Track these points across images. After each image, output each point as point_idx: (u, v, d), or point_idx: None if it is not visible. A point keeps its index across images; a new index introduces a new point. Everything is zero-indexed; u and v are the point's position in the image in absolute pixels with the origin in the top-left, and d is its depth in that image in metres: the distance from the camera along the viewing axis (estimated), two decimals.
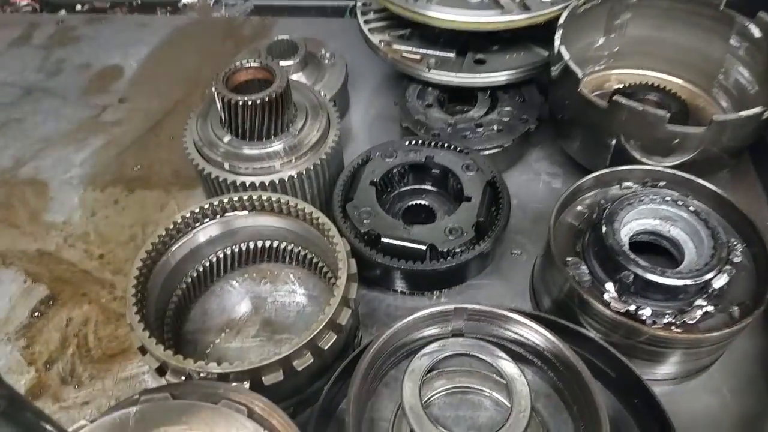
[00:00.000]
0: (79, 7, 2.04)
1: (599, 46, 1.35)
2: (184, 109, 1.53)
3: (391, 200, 1.21)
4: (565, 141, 1.28)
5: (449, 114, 1.37)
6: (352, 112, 1.54)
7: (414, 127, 1.31)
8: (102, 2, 2.04)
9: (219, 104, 1.07)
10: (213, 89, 1.06)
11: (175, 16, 1.91)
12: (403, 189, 1.22)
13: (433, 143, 1.20)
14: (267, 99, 1.03)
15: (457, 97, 1.41)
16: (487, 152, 1.26)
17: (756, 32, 1.19)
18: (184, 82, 1.61)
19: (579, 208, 1.08)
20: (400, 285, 1.10)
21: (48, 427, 0.46)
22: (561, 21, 1.16)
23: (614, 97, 1.04)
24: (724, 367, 1.02)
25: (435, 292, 1.14)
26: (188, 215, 1.01)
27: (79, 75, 1.65)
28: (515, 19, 1.19)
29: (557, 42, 1.14)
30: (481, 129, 1.28)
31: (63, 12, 2.01)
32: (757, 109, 1.01)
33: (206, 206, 1.02)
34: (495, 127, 1.28)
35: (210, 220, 1.04)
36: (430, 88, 1.38)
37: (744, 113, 1.01)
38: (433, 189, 1.22)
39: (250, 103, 1.03)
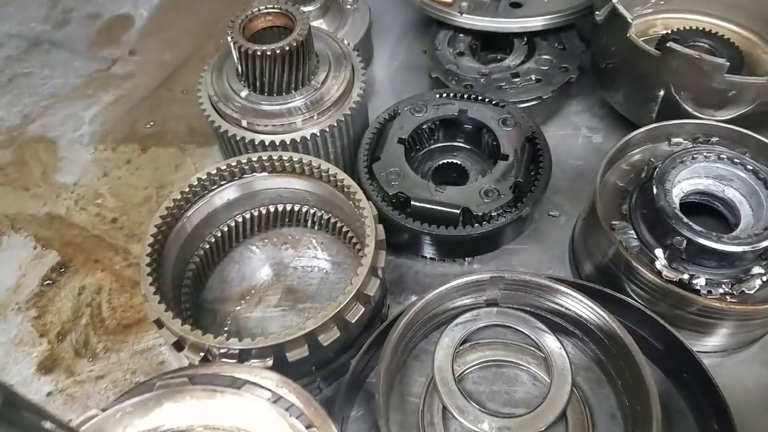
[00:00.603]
0: None
1: None
2: (199, 60, 1.44)
3: (420, 158, 1.13)
4: (608, 92, 1.18)
5: (483, 63, 1.27)
6: (375, 62, 1.45)
7: (444, 77, 1.21)
8: None
9: (235, 55, 0.99)
10: (229, 38, 0.97)
11: None
12: (433, 146, 1.14)
13: (465, 95, 1.11)
14: (287, 48, 0.95)
15: (492, 45, 1.31)
16: (524, 105, 1.17)
17: None
18: (198, 30, 1.52)
19: (625, 166, 1.00)
20: (430, 251, 1.03)
21: (48, 425, 0.41)
22: None
23: (668, 44, 0.93)
24: None
25: (467, 258, 1.07)
26: (204, 177, 0.94)
27: (87, 25, 1.57)
28: None
29: None
30: (517, 79, 1.19)
31: None
32: None
33: (223, 167, 0.95)
34: (533, 77, 1.19)
35: (228, 182, 0.98)
36: (461, 35, 1.28)
37: None
38: (466, 146, 1.14)
39: (269, 53, 0.95)
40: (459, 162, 1.12)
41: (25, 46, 1.52)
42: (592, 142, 1.23)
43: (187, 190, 0.93)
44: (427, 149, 1.14)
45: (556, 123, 1.27)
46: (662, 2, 1.25)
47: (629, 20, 0.97)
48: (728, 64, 0.91)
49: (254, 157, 0.96)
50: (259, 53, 0.94)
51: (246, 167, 0.97)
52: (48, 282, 1.08)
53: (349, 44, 1.14)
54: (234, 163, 0.96)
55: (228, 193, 0.99)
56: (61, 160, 1.26)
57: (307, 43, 0.98)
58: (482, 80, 1.19)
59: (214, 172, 0.95)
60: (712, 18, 1.25)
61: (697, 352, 0.92)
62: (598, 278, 0.96)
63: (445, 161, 1.12)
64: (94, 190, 1.21)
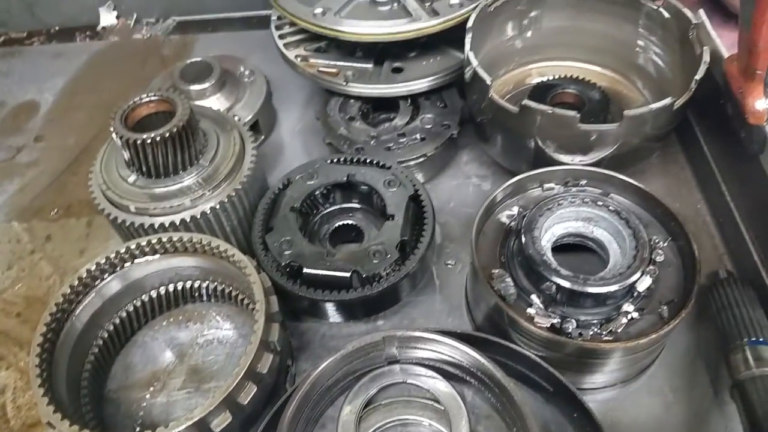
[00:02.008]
0: None
1: (515, 42, 1.32)
2: (103, 141, 1.43)
3: (317, 222, 1.17)
4: (486, 144, 1.25)
5: (373, 125, 1.34)
6: (281, 127, 1.49)
7: (337, 142, 1.27)
8: (18, 32, 1.96)
9: (119, 144, 1.01)
10: (111, 129, 1.00)
11: (93, 42, 1.83)
12: (330, 209, 1.18)
13: (354, 159, 1.16)
14: (169, 134, 0.98)
15: (381, 106, 1.37)
16: (412, 162, 1.23)
17: (665, 14, 1.17)
18: (102, 111, 1.52)
19: (503, 215, 1.06)
20: (332, 315, 1.06)
21: None
22: (469, 24, 1.13)
23: (523, 102, 1.01)
24: (664, 365, 1.01)
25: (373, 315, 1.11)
26: (93, 268, 0.96)
27: None
28: (424, 26, 1.15)
29: (467, 46, 1.11)
30: (404, 139, 1.25)
31: None
32: (667, 101, 0.99)
33: (112, 255, 0.97)
34: (418, 136, 1.25)
35: (119, 268, 0.99)
36: (351, 101, 1.34)
37: (654, 106, 0.99)
38: (361, 206, 1.18)
39: (149, 140, 0.98)
40: (354, 222, 1.16)
41: None
42: (482, 190, 1.29)
43: (76, 283, 0.94)
44: (324, 212, 1.18)
45: (449, 173, 1.33)
46: (532, 54, 1.34)
47: (488, 83, 1.04)
48: (579, 115, 0.98)
49: (143, 241, 0.98)
50: (139, 141, 0.97)
51: (136, 252, 0.99)
52: None
53: (239, 118, 1.19)
54: (123, 250, 0.98)
55: (121, 279, 1.00)
56: None
57: (190, 124, 1.02)
58: (372, 142, 1.24)
59: (102, 261, 0.96)
60: (581, 63, 1.35)
61: (590, 388, 0.97)
62: (489, 325, 1.00)
63: (341, 223, 1.17)
64: None
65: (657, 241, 0.97)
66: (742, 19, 0.95)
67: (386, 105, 1.35)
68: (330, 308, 1.05)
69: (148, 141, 0.97)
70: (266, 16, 1.80)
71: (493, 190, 1.02)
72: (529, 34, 1.31)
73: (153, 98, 1.05)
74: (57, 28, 1.93)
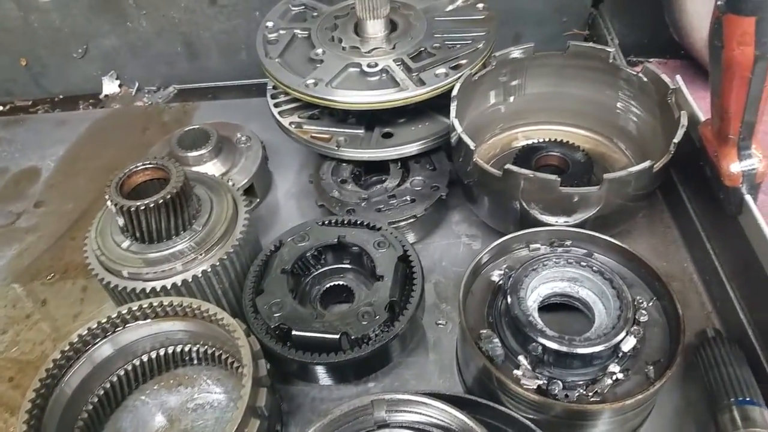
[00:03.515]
0: (0, 108, 2.02)
1: (499, 108, 1.37)
2: (102, 206, 1.47)
3: (309, 283, 1.18)
4: (474, 205, 1.29)
5: (366, 187, 1.38)
6: (277, 190, 1.53)
7: (329, 204, 1.30)
8: (24, 101, 2.03)
9: (114, 211, 1.04)
10: (106, 197, 1.04)
11: (96, 110, 1.90)
12: (321, 270, 1.20)
13: (346, 221, 1.19)
14: (162, 200, 1.01)
15: (373, 169, 1.41)
16: (403, 223, 1.26)
17: (644, 79, 1.22)
18: (102, 177, 1.54)
19: (492, 275, 1.08)
20: (323, 378, 1.06)
21: None
22: (454, 93, 1.18)
23: (506, 167, 1.04)
24: (654, 426, 1.00)
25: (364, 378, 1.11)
26: (85, 332, 0.97)
27: None
28: (412, 95, 1.21)
29: (452, 114, 1.16)
30: (394, 201, 1.28)
31: None
32: (646, 164, 1.03)
33: (104, 320, 0.98)
34: (408, 198, 1.28)
35: (109, 333, 1.00)
36: (343, 164, 1.38)
37: (633, 169, 1.02)
38: (353, 267, 1.20)
39: (143, 207, 1.01)
40: (345, 283, 1.18)
41: None
42: (472, 249, 1.31)
43: (67, 348, 0.95)
44: (316, 273, 1.19)
45: (440, 233, 1.35)
46: (517, 119, 1.40)
47: (471, 148, 1.08)
48: (559, 179, 1.02)
49: (134, 306, 1.00)
50: (133, 208, 1.00)
51: (127, 317, 1.00)
52: None
53: (238, 182, 1.22)
54: (114, 315, 0.99)
55: (108, 346, 1.00)
56: None
57: (183, 191, 1.05)
58: (363, 204, 1.28)
59: (94, 326, 0.97)
60: (565, 126, 1.40)
61: None
62: (478, 386, 1.00)
63: (331, 284, 1.18)
64: None
65: (641, 301, 0.98)
66: (713, 87, 1.00)
67: (377, 168, 1.39)
68: (320, 371, 1.05)
69: (142, 208, 1.00)
70: (263, 84, 1.89)
71: (480, 251, 1.04)
72: (512, 99, 1.36)
73: (148, 165, 1.09)
74: (61, 96, 2.01)
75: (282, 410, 1.06)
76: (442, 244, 1.33)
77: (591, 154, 1.29)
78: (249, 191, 1.41)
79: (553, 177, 1.02)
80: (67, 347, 0.95)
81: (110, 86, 1.94)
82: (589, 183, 1.24)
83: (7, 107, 2.02)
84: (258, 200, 1.47)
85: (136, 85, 1.96)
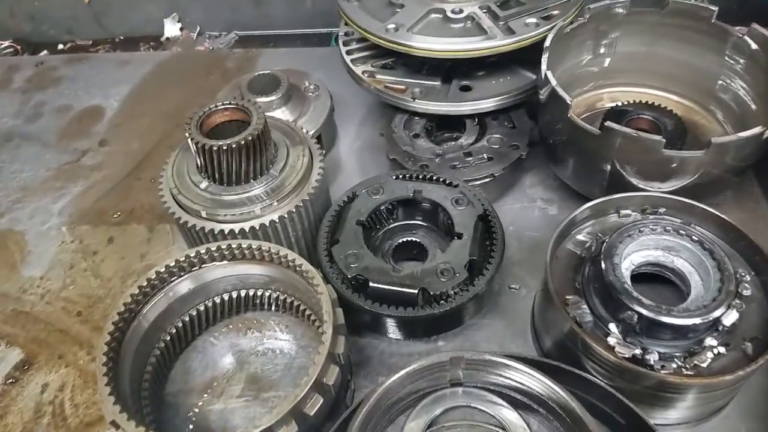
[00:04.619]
0: (61, 46, 2.01)
1: (589, 65, 1.30)
2: (167, 148, 1.48)
3: (380, 238, 1.15)
4: (557, 166, 1.23)
5: (437, 143, 1.33)
6: (340, 143, 1.49)
7: (401, 158, 1.26)
8: (84, 40, 2.02)
9: (193, 149, 1.02)
10: (186, 134, 1.01)
11: (158, 52, 1.88)
12: (392, 225, 1.17)
13: (420, 176, 1.15)
14: (243, 142, 0.98)
15: (446, 125, 1.36)
16: (478, 182, 1.21)
17: (752, 44, 1.14)
18: (166, 119, 1.56)
19: (577, 238, 1.03)
20: (393, 332, 1.04)
21: None
22: (547, 43, 1.11)
23: (606, 123, 0.98)
24: (740, 407, 0.96)
25: (433, 336, 1.08)
26: (163, 270, 0.95)
27: (58, 118, 1.61)
28: (500, 44, 1.14)
29: (543, 66, 1.09)
30: (470, 158, 1.23)
31: (45, 52, 1.98)
32: (756, 129, 0.95)
33: (182, 259, 0.97)
34: (485, 156, 1.23)
35: (186, 273, 0.99)
36: (416, 118, 1.33)
37: (743, 134, 0.95)
38: (425, 224, 1.16)
39: (225, 147, 0.98)
40: (418, 240, 1.14)
41: None
42: (548, 214, 1.26)
43: (144, 284, 0.94)
44: (387, 228, 1.16)
45: (512, 196, 1.30)
46: (605, 79, 1.32)
47: (568, 102, 1.02)
48: (664, 140, 0.95)
49: (213, 246, 0.98)
50: (215, 148, 0.98)
51: (206, 256, 0.99)
52: (11, 381, 1.06)
53: (308, 131, 1.19)
54: (193, 254, 0.97)
55: (187, 283, 1.00)
56: (29, 254, 1.27)
57: (263, 135, 1.02)
58: (437, 160, 1.23)
59: (172, 264, 0.96)
60: (655, 90, 1.32)
61: (662, 424, 0.92)
62: (558, 353, 0.97)
63: (404, 239, 1.15)
64: (60, 282, 1.21)
65: (743, 274, 0.92)
66: None
67: (451, 123, 1.34)
68: (391, 324, 1.03)
69: (224, 148, 0.98)
70: (326, 33, 1.85)
71: (571, 212, 0.99)
72: (602, 57, 1.29)
73: (229, 106, 1.06)
74: (122, 37, 1.99)
75: (351, 361, 1.04)
76: (515, 208, 1.28)
77: (683, 121, 1.22)
78: (316, 142, 1.37)
79: (658, 137, 0.95)
80: (145, 283, 0.94)
81: (172, 29, 1.91)
82: (682, 148, 1.17)
83: (68, 45, 2.02)
84: (324, 151, 1.43)
85: (198, 29, 1.92)
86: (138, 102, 1.64)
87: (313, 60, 1.68)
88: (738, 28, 1.17)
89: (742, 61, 1.17)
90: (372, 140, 1.47)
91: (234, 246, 0.98)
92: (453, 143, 1.29)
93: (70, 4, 1.93)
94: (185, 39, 1.92)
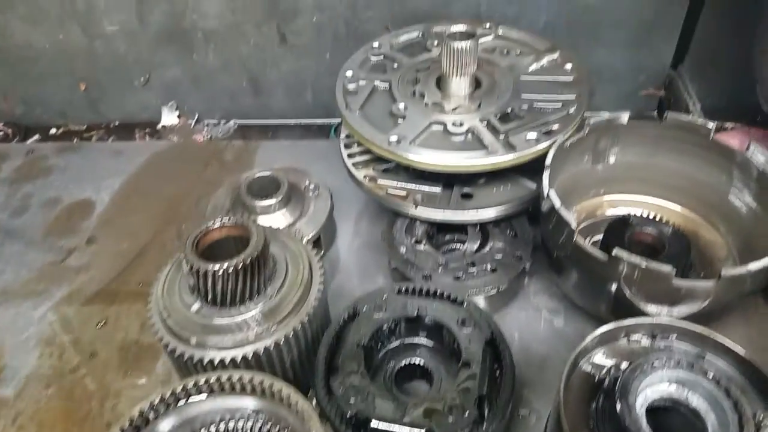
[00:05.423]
0: (53, 130, 1.99)
1: (589, 174, 1.29)
2: (158, 248, 1.44)
3: (381, 358, 1.10)
4: (560, 278, 1.20)
5: (439, 246, 1.30)
6: (339, 240, 1.46)
7: (403, 267, 1.22)
8: (78, 125, 2.00)
9: (186, 270, 0.98)
10: (182, 255, 0.97)
11: (153, 142, 1.86)
12: (395, 344, 1.11)
13: (425, 291, 1.10)
14: (241, 265, 0.95)
15: (447, 228, 1.33)
16: (483, 295, 1.17)
17: (755, 162, 1.13)
18: (159, 216, 1.52)
19: (587, 365, 0.98)
20: None
21: None
22: (548, 162, 1.10)
23: (614, 252, 0.96)
24: None
25: None
26: (146, 407, 0.89)
27: (46, 212, 1.56)
28: (501, 160, 1.13)
29: (545, 183, 1.08)
30: (474, 269, 1.20)
31: (37, 136, 1.96)
32: (765, 261, 0.93)
33: (167, 395, 0.90)
34: (488, 266, 1.20)
35: (172, 408, 0.92)
36: (418, 222, 1.30)
37: (753, 266, 0.93)
38: (428, 343, 1.11)
39: (221, 271, 0.94)
40: (423, 362, 1.09)
41: None
42: (554, 326, 1.22)
43: (126, 425, 0.87)
44: (390, 347, 1.11)
45: (517, 304, 1.27)
46: (605, 186, 1.31)
47: (573, 227, 1.00)
48: (674, 270, 0.93)
49: (201, 380, 0.91)
50: (211, 271, 0.93)
51: (192, 391, 0.92)
52: None
53: (308, 234, 1.15)
54: (179, 389, 0.91)
55: (171, 420, 0.92)
56: (4, 369, 1.19)
57: (262, 254, 0.98)
58: (440, 270, 1.20)
59: (156, 401, 0.89)
60: (657, 198, 1.31)
61: None
62: None
63: (407, 362, 1.09)
64: (35, 404, 1.13)
65: (761, 417, 0.88)
66: None
67: (453, 227, 1.32)
68: None
69: (220, 272, 0.93)
70: (325, 125, 1.85)
71: (582, 321, 0.95)
72: (601, 166, 1.28)
73: (227, 223, 1.02)
74: (117, 123, 1.98)
75: None
76: (521, 317, 1.24)
77: (686, 233, 1.20)
78: (315, 243, 1.34)
79: (668, 268, 0.93)
80: (127, 424, 0.87)
81: (169, 117, 1.90)
82: (686, 266, 1.15)
83: (60, 130, 2.00)
84: (322, 252, 1.40)
85: (196, 116, 1.92)
86: (130, 196, 1.60)
87: (313, 153, 1.67)
88: (738, 144, 1.17)
89: (746, 179, 1.16)
90: (371, 237, 1.44)
91: (224, 378, 0.92)
92: (456, 252, 1.26)
93: (65, 89, 1.92)
94: (183, 126, 1.91)
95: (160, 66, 1.83)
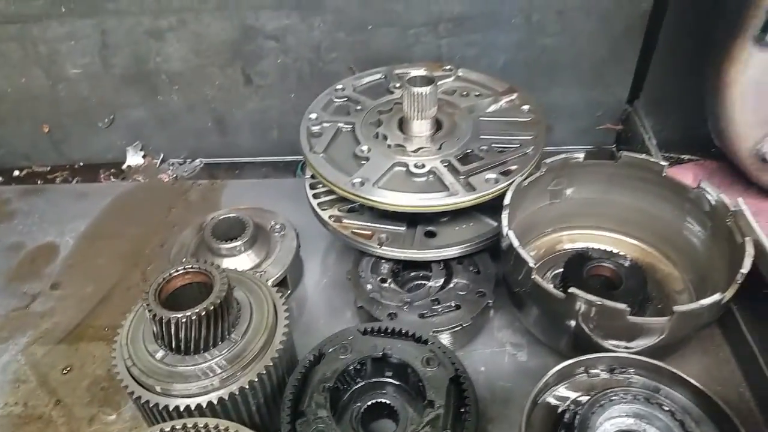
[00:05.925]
0: (17, 172, 1.97)
1: (547, 211, 1.33)
2: (124, 291, 1.43)
3: (347, 399, 1.10)
4: (521, 315, 1.23)
5: (404, 285, 1.33)
6: (306, 280, 1.47)
7: (369, 306, 1.24)
8: (42, 166, 1.99)
9: (149, 318, 0.98)
10: (144, 303, 0.97)
11: (118, 183, 1.85)
12: (361, 384, 1.12)
13: (389, 330, 1.12)
14: (204, 313, 0.95)
15: (412, 265, 1.35)
16: (447, 332, 1.19)
17: (707, 200, 1.18)
18: (123, 259, 1.51)
19: (548, 402, 1.01)
20: None
21: None
22: (506, 201, 1.14)
23: (570, 290, 0.99)
24: None
25: None
26: None
27: (9, 258, 1.54)
28: (461, 201, 1.17)
29: (504, 222, 1.12)
30: (438, 306, 1.22)
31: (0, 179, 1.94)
32: (716, 297, 0.98)
33: None
34: (452, 303, 1.22)
35: None
36: (383, 260, 1.32)
37: (704, 302, 0.97)
38: (394, 381, 1.12)
39: (184, 320, 0.94)
40: (389, 401, 1.10)
41: None
42: (518, 361, 1.24)
43: None
44: (355, 387, 1.12)
45: (481, 340, 1.28)
46: (564, 222, 1.36)
47: (532, 266, 1.03)
48: (629, 309, 0.96)
49: (167, 427, 0.91)
50: (174, 320, 0.94)
51: None
52: None
53: (269, 279, 1.16)
54: None
55: None
56: None
57: (226, 301, 0.99)
58: (405, 308, 1.22)
59: None
60: (613, 233, 1.36)
61: None
62: None
63: (374, 401, 1.10)
64: None
65: None
66: None
67: (417, 264, 1.34)
68: None
69: (183, 321, 0.94)
70: (292, 161, 1.87)
71: (545, 355, 0.97)
72: (559, 203, 1.32)
73: (189, 270, 1.03)
74: (81, 164, 1.97)
75: None
76: (486, 352, 1.26)
77: (642, 267, 1.24)
78: (282, 283, 1.35)
79: (623, 306, 0.97)
80: None
81: (134, 157, 1.90)
82: (644, 299, 1.19)
83: (24, 172, 1.98)
84: (289, 292, 1.40)
85: (161, 156, 1.92)
86: (94, 239, 1.59)
87: (279, 191, 1.68)
88: (690, 181, 1.22)
89: (698, 213, 1.21)
90: (338, 275, 1.44)
91: (190, 425, 0.92)
92: (421, 289, 1.28)
93: (28, 132, 1.91)
94: (148, 166, 1.91)
95: (125, 107, 1.83)
